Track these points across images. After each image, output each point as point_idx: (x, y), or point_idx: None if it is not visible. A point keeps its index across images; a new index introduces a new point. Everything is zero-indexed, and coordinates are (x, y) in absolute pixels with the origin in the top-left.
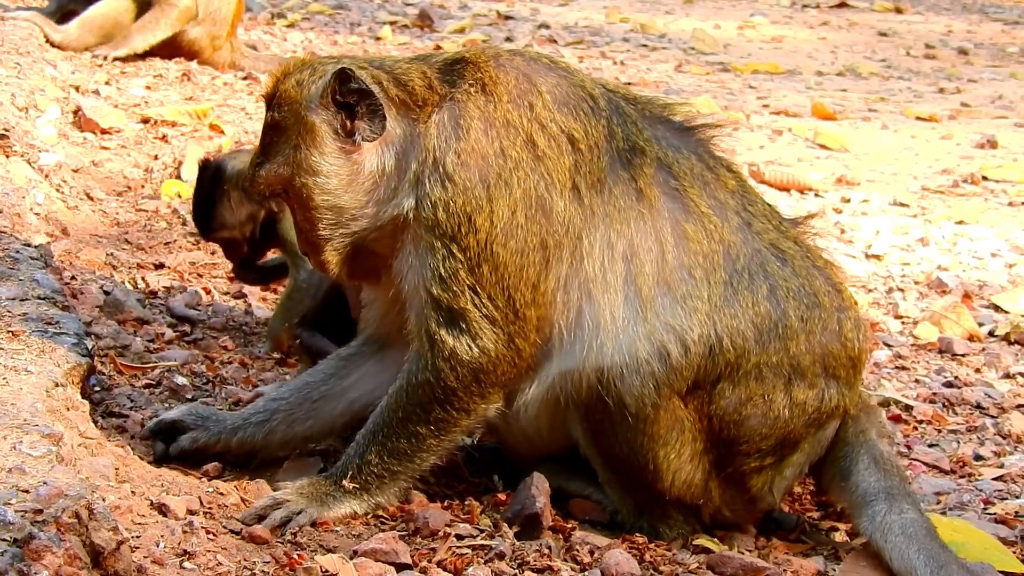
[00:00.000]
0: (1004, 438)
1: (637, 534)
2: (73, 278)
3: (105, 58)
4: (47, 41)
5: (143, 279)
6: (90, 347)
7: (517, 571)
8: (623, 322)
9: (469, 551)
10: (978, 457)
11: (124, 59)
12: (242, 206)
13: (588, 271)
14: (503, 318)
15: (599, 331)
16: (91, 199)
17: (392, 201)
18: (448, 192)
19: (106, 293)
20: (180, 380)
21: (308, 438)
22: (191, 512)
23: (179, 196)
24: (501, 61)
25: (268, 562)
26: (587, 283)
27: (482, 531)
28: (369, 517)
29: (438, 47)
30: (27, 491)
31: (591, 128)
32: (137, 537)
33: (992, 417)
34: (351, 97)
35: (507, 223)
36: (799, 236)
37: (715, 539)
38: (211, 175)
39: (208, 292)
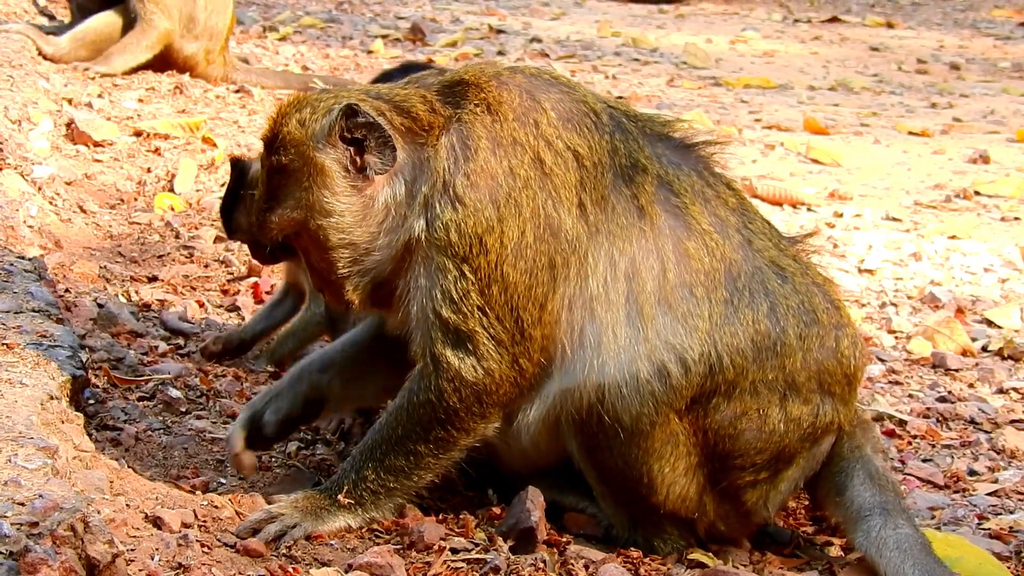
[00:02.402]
0: (998, 453)
1: (632, 548)
2: (67, 291)
3: (87, 71)
4: (39, 54)
5: (136, 292)
6: (84, 360)
7: None
8: (625, 340)
9: (464, 565)
10: (972, 472)
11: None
12: None
13: (592, 289)
14: (509, 339)
15: (601, 350)
16: (84, 212)
17: (403, 227)
18: (459, 214)
19: (100, 306)
20: (174, 393)
21: (361, 398)
22: (186, 525)
23: (172, 209)
24: (503, 80)
25: (263, 575)
26: (591, 301)
27: (477, 545)
28: (364, 531)
29: (430, 60)
30: (23, 504)
31: (595, 144)
32: (132, 550)
33: (986, 432)
34: (359, 132)
35: (517, 243)
36: (798, 254)
37: (709, 553)
38: (236, 176)
39: (201, 305)
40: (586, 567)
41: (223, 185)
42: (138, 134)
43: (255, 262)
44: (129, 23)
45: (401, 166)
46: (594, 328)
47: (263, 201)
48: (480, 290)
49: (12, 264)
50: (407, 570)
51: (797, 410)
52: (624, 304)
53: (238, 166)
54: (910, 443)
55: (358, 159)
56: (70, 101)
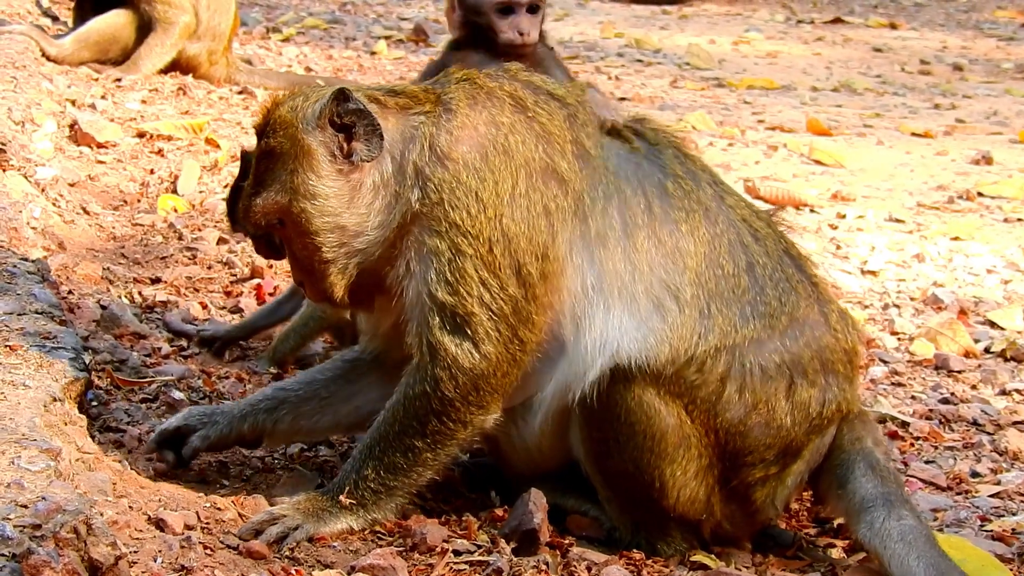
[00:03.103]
0: (1001, 455)
1: (634, 550)
2: (70, 292)
3: (108, 77)
4: (43, 55)
5: (140, 293)
6: (87, 362)
7: None
8: (626, 277)
9: (467, 567)
10: (975, 474)
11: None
12: None
13: (592, 229)
14: (512, 308)
15: (603, 291)
16: (87, 213)
17: (397, 204)
18: (450, 171)
19: (103, 307)
20: (177, 395)
21: (313, 432)
22: (188, 527)
23: (175, 210)
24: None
25: None
26: (590, 243)
27: (479, 547)
28: (366, 532)
29: (432, 61)
30: (26, 506)
31: (570, 91)
32: (135, 552)
33: (988, 434)
34: (348, 118)
35: (511, 193)
36: (772, 221)
37: (712, 555)
38: (243, 168)
39: (205, 307)
40: (588, 569)
41: (226, 186)
42: (141, 135)
43: (258, 259)
44: (133, 23)
45: (391, 144)
46: (594, 272)
47: (250, 187)
48: (482, 259)
49: (15, 266)
50: (410, 572)
51: (805, 394)
52: (620, 240)
53: (246, 158)
54: (912, 445)
55: (345, 145)
56: (73, 102)
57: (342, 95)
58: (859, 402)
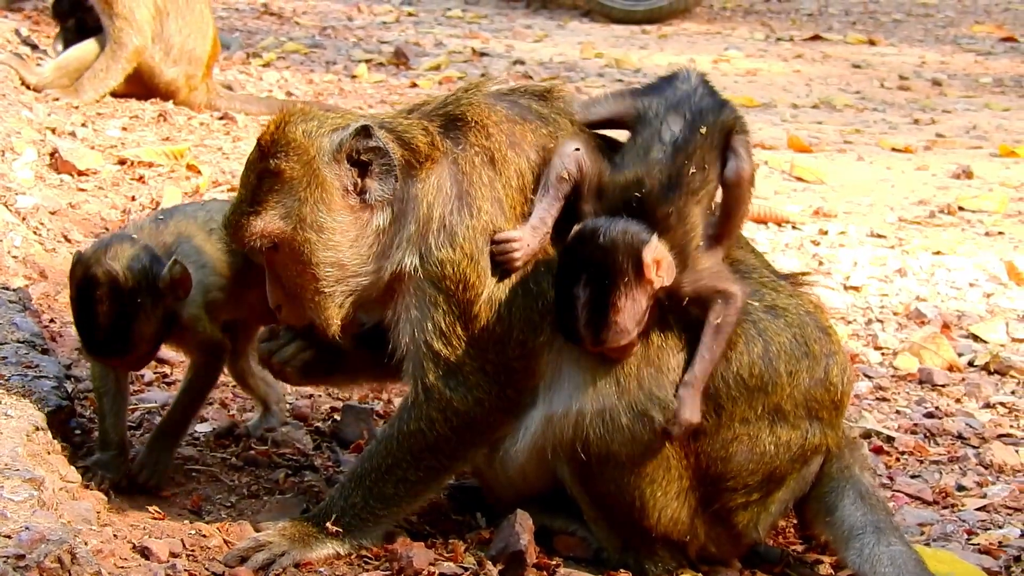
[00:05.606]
0: (986, 468)
1: (622, 570)
2: (52, 321)
3: (56, 100)
4: (22, 83)
5: None
6: (70, 390)
7: None
8: (606, 390)
9: None
10: (961, 487)
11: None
12: (156, 309)
13: (568, 349)
14: (494, 370)
15: (580, 395)
16: (69, 241)
17: (389, 257)
18: (456, 255)
19: None
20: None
21: None
22: (174, 555)
23: None
24: (503, 126)
25: None
26: (569, 351)
27: (466, 569)
28: (353, 557)
29: (414, 84)
30: (9, 536)
31: None
32: None
33: (974, 447)
34: (366, 155)
35: (502, 290)
36: (793, 291)
37: (699, 575)
38: (116, 288)
39: None
40: None
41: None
42: (122, 162)
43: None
44: None
45: (393, 197)
46: (573, 377)
47: (247, 205)
48: (464, 324)
49: None
50: None
51: (786, 435)
52: (604, 361)
53: (96, 280)
54: (898, 459)
55: (359, 182)
56: (54, 130)
57: (365, 132)
58: (842, 439)
